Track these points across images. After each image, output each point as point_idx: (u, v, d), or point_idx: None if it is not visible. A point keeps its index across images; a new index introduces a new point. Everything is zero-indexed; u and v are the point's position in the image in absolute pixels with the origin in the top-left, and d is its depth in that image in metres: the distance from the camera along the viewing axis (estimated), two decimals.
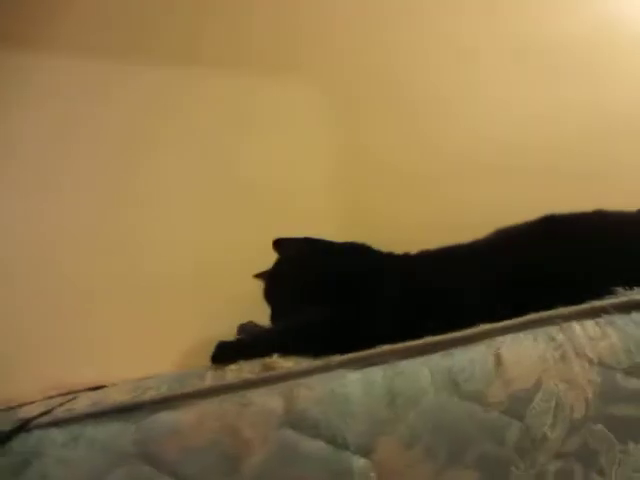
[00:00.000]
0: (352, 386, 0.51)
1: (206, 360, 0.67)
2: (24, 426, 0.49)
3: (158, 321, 0.82)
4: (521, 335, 0.55)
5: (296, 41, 0.92)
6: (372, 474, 0.48)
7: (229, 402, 0.51)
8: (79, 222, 0.82)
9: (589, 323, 0.55)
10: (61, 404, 0.52)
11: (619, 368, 0.52)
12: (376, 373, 0.53)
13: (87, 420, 0.50)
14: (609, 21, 0.94)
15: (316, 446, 0.49)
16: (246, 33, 0.91)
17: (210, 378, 0.53)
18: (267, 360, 0.54)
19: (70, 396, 0.54)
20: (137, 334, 0.81)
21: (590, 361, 0.53)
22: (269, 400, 0.51)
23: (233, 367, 0.54)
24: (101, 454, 0.48)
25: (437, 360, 0.53)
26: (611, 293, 0.58)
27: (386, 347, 0.54)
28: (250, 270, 0.80)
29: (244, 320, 0.74)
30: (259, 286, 0.77)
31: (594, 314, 0.55)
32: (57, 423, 0.50)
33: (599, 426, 0.50)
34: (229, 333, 0.73)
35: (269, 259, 0.77)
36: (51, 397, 0.54)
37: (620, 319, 0.55)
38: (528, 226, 0.68)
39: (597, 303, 0.56)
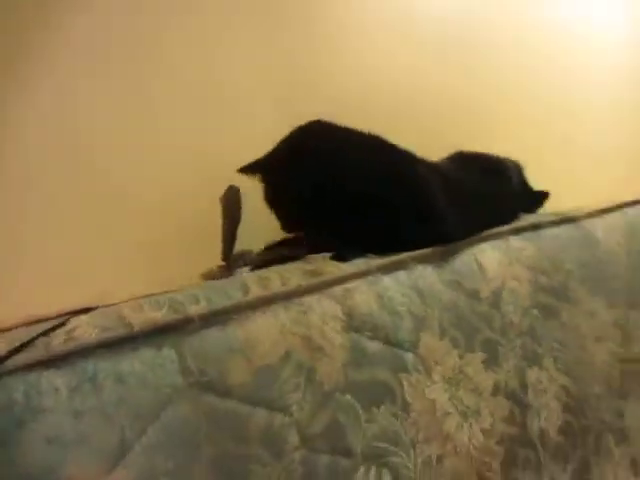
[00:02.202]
0: (392, 289, 0.54)
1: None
2: None
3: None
4: (483, 245, 0.68)
5: None
6: (419, 366, 0.52)
7: (288, 311, 0.45)
8: None
9: (516, 238, 0.73)
10: (43, 334, 0.35)
11: (536, 269, 0.73)
12: (403, 276, 0.57)
13: (100, 352, 0.36)
14: None
15: (377, 347, 0.50)
16: None
17: (255, 287, 0.45)
18: (309, 266, 0.50)
19: (47, 324, 0.36)
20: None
21: (523, 265, 0.71)
22: (327, 305, 0.48)
23: (272, 275, 0.48)
24: (141, 392, 0.36)
25: (440, 265, 0.61)
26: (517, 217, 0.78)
27: (406, 254, 0.58)
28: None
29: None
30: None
31: (517, 232, 0.74)
32: (53, 361, 0.34)
33: (535, 311, 0.69)
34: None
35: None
36: (13, 327, 0.35)
37: (531, 235, 0.76)
38: (447, 159, 0.81)
39: (520, 224, 0.76)
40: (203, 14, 0.71)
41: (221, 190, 0.67)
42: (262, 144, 0.68)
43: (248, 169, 0.65)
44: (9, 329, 0.35)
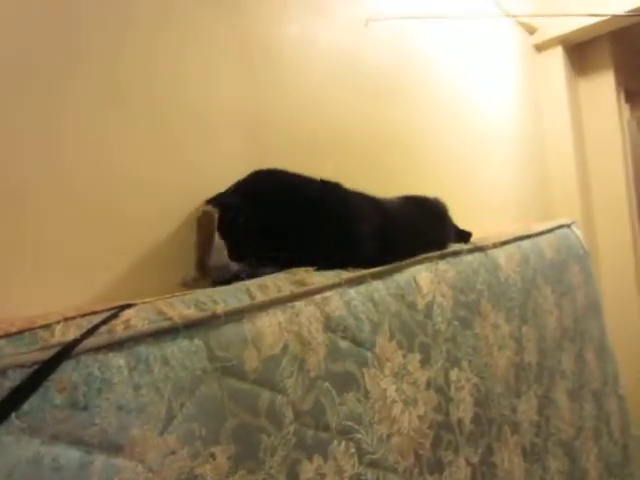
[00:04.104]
0: (356, 299, 0.69)
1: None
2: (66, 352, 0.40)
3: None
4: (419, 267, 0.86)
5: None
6: (375, 362, 0.67)
7: (284, 313, 0.58)
8: None
9: (442, 262, 0.93)
10: (104, 323, 0.44)
11: (456, 288, 0.92)
12: (363, 289, 0.72)
13: (149, 339, 0.46)
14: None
15: (346, 345, 0.64)
16: None
17: (258, 292, 0.57)
18: (294, 277, 0.63)
19: (101, 315, 0.45)
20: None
21: (447, 284, 0.90)
22: (311, 310, 0.61)
23: (269, 283, 0.60)
24: (182, 373, 0.46)
25: (389, 281, 0.77)
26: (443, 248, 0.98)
27: (367, 271, 0.73)
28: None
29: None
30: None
31: (443, 257, 0.94)
32: (115, 345, 0.43)
33: (456, 322, 0.88)
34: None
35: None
36: (70, 318, 0.43)
37: (453, 260, 0.96)
38: (396, 198, 0.98)
39: (446, 251, 0.95)
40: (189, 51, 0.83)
41: (190, 212, 0.79)
42: (231, 172, 0.80)
43: (211, 201, 0.78)
44: (72, 318, 0.43)
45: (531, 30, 2.01)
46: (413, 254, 0.85)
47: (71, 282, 0.64)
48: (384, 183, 1.23)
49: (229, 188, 0.78)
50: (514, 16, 1.83)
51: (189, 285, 0.71)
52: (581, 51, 2.21)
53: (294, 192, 0.77)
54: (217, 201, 0.78)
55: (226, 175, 0.79)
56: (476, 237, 1.12)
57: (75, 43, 0.68)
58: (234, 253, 0.76)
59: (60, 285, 0.63)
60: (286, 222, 0.73)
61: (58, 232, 0.64)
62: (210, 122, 0.85)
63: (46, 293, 0.62)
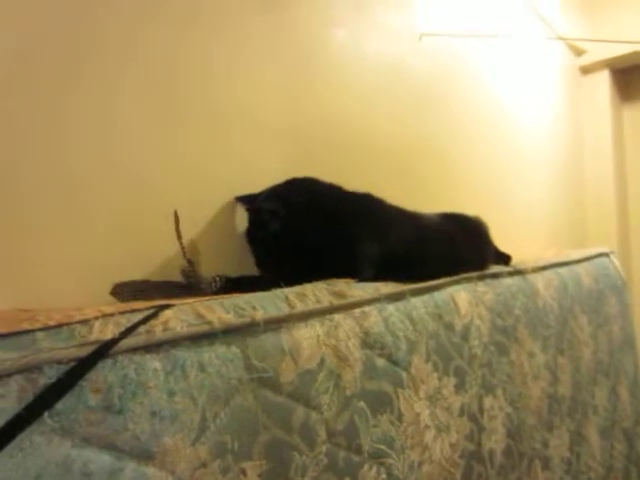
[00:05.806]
0: (394, 315, 0.66)
1: None
2: (104, 351, 0.38)
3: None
4: (458, 287, 0.83)
5: None
6: (410, 384, 0.64)
7: (323, 325, 0.55)
8: None
9: (481, 283, 0.89)
10: (143, 322, 0.42)
11: (494, 311, 0.88)
12: (401, 306, 0.69)
13: (186, 343, 0.44)
14: None
15: (383, 363, 0.61)
16: None
17: (297, 302, 0.54)
18: (333, 287, 0.60)
19: (140, 314, 0.43)
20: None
21: (485, 306, 0.86)
22: (350, 324, 0.58)
23: (307, 292, 0.57)
24: (217, 381, 0.44)
25: (426, 299, 0.74)
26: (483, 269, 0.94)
27: (406, 287, 0.70)
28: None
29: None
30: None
31: (482, 278, 0.90)
32: (152, 346, 0.41)
33: (492, 347, 0.84)
34: None
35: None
36: (109, 315, 0.41)
37: (492, 282, 0.92)
38: (438, 215, 0.95)
39: (486, 272, 0.91)
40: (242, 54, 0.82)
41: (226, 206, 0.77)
42: (268, 178, 0.78)
43: (242, 199, 0.78)
44: (110, 315, 0.41)
45: (579, 52, 1.96)
46: (450, 273, 0.82)
47: (93, 280, 0.63)
48: (420, 196, 1.20)
49: (263, 192, 0.76)
50: (562, 38, 1.78)
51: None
52: (628, 76, 2.15)
53: (323, 204, 0.74)
54: (246, 200, 0.77)
55: (263, 181, 0.78)
56: (513, 258, 1.07)
57: (125, 41, 0.68)
58: (261, 260, 0.74)
59: (82, 281, 0.62)
60: (310, 233, 0.70)
61: (81, 230, 0.63)
62: (252, 127, 0.84)
63: (67, 288, 0.61)
